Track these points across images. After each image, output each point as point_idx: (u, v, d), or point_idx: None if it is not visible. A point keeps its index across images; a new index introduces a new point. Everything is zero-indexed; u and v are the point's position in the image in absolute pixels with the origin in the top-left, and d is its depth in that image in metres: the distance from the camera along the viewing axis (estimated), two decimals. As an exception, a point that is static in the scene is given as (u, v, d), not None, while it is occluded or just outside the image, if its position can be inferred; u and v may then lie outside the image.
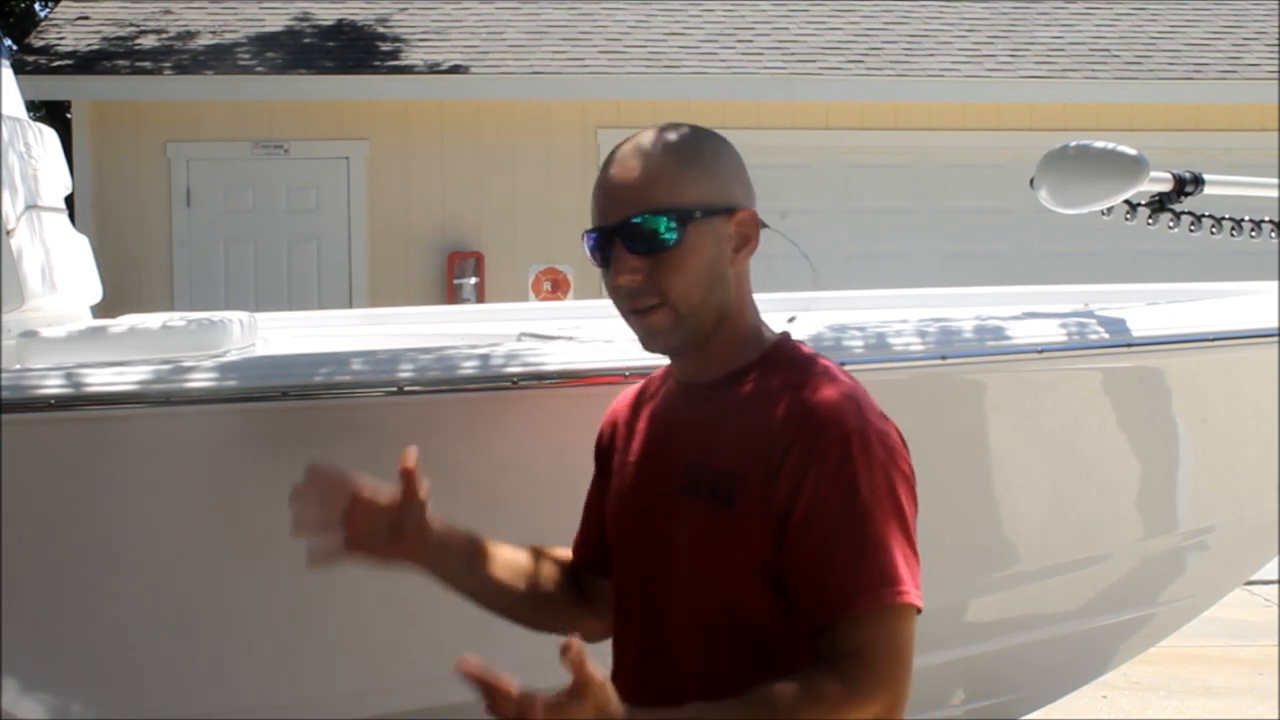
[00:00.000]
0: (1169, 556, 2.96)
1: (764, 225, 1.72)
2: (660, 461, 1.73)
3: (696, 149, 1.70)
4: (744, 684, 1.53)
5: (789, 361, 1.69)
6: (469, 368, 2.21)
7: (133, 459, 2.23)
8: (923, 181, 9.13)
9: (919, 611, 1.57)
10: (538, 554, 1.93)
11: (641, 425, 1.79)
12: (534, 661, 2.20)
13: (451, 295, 8.54)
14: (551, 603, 1.90)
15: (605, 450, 1.87)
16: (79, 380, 2.18)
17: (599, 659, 1.49)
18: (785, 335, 1.75)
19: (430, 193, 8.80)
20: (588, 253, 1.72)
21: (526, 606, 1.89)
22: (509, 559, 1.89)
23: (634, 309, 1.68)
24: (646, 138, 1.71)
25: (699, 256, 1.65)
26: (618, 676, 1.72)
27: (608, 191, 1.70)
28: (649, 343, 1.72)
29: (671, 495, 1.68)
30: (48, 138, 3.40)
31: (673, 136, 1.70)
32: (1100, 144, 2.68)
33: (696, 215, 1.65)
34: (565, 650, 1.41)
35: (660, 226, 1.64)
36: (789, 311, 2.24)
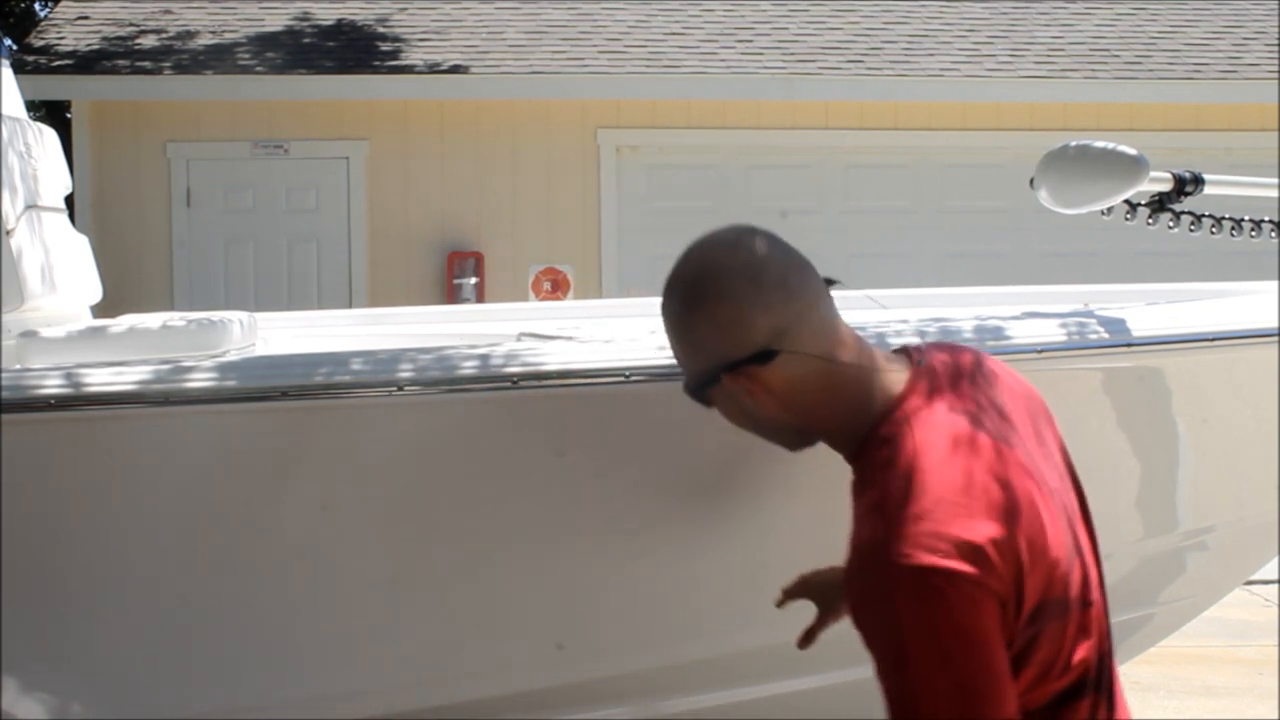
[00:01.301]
0: (1169, 556, 2.96)
1: (764, 360, 1.57)
2: None
3: (672, 326, 1.66)
4: None
5: (870, 462, 1.55)
6: (469, 368, 2.21)
7: (133, 459, 2.23)
8: (923, 181, 9.13)
9: None
10: None
11: None
12: (534, 661, 2.21)
13: (451, 295, 8.55)
14: None
15: None
16: (79, 380, 2.18)
17: None
18: (888, 407, 1.58)
19: (430, 193, 8.80)
20: None
21: None
22: None
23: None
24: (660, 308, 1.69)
25: (733, 417, 1.68)
26: None
27: None
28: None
29: None
30: (48, 138, 3.40)
31: (663, 312, 1.67)
32: (1100, 144, 2.67)
33: (699, 395, 1.67)
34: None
35: (695, 396, 1.68)
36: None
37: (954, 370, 1.64)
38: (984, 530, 1.44)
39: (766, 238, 1.63)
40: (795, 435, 1.67)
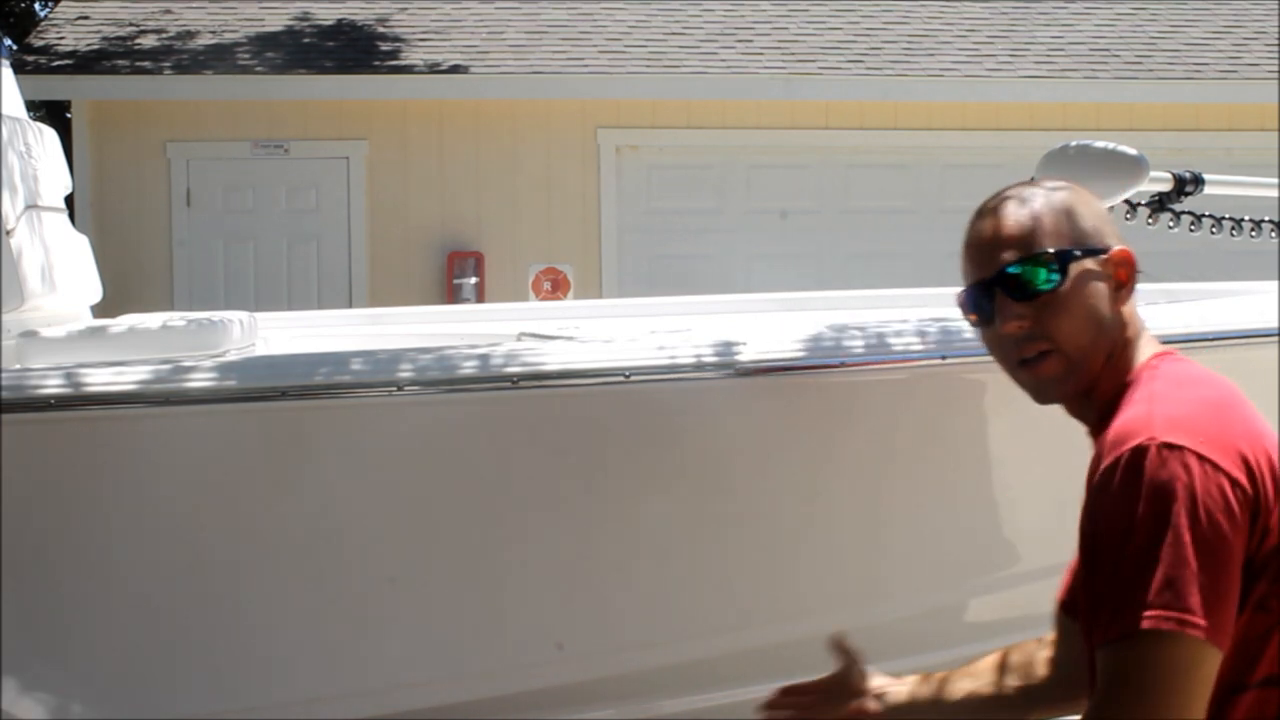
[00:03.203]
0: (1169, 556, 2.95)
1: (1139, 271, 1.70)
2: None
3: (1063, 197, 1.69)
4: None
5: (1132, 398, 1.61)
6: (469, 368, 2.21)
7: (133, 459, 2.23)
8: (923, 181, 9.13)
9: (1202, 638, 1.43)
10: (1006, 652, 1.89)
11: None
12: (535, 661, 2.21)
13: (451, 295, 8.55)
14: (1043, 685, 1.84)
15: None
16: (79, 380, 2.18)
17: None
18: (1150, 361, 1.68)
19: (430, 193, 8.80)
20: (965, 310, 1.72)
21: (1020, 702, 1.84)
22: (976, 670, 1.87)
23: (1023, 359, 1.68)
24: (1011, 192, 1.71)
25: (1083, 299, 1.65)
26: None
27: (981, 245, 1.69)
28: (1040, 395, 1.71)
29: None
30: (48, 138, 3.40)
31: (1035, 189, 1.70)
32: (1100, 144, 2.68)
33: (1076, 255, 1.64)
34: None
35: (1041, 273, 1.64)
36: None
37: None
38: (1253, 447, 1.52)
39: None
40: (1108, 354, 1.66)
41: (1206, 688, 1.44)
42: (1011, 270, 1.65)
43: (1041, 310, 1.64)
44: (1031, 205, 1.68)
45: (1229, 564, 1.46)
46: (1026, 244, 1.65)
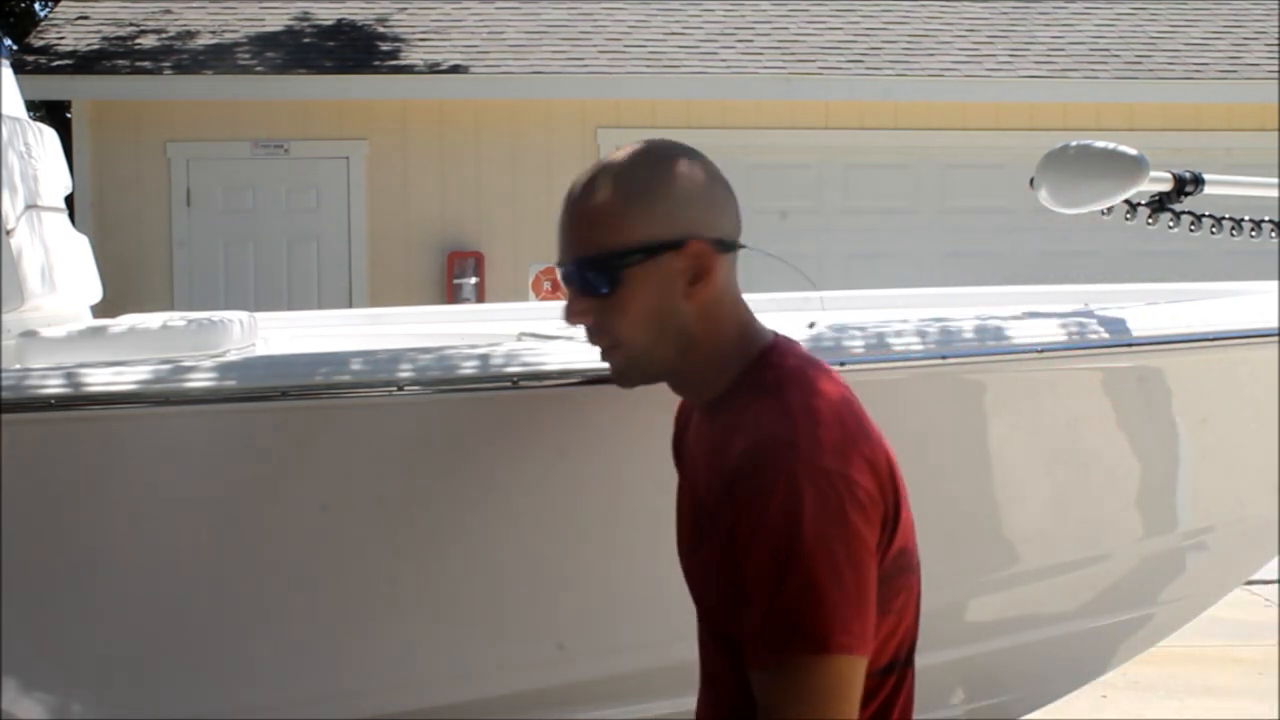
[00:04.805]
0: (1169, 556, 2.96)
1: (736, 247, 1.63)
2: (688, 485, 1.74)
3: (640, 182, 1.61)
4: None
5: (758, 384, 1.60)
6: (469, 368, 2.21)
7: (133, 459, 2.23)
8: (923, 181, 9.13)
9: (860, 654, 1.46)
10: None
11: (689, 441, 1.77)
12: (535, 661, 2.20)
13: (451, 295, 8.55)
14: None
15: (677, 453, 1.86)
16: (79, 380, 2.18)
17: None
18: (771, 345, 1.66)
19: (430, 193, 8.80)
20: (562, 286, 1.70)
21: None
22: None
23: (594, 347, 1.69)
24: (595, 171, 1.64)
25: (640, 300, 1.60)
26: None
27: (558, 230, 1.66)
28: (618, 381, 1.70)
29: (686, 520, 1.73)
30: (48, 138, 3.40)
31: (616, 169, 1.62)
32: (1100, 144, 2.68)
33: (632, 260, 1.58)
34: None
35: (596, 276, 1.60)
36: (797, 311, 2.24)
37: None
38: (878, 453, 1.54)
39: None
40: (681, 348, 1.63)
41: (860, 695, 1.48)
42: (570, 271, 1.63)
43: (600, 309, 1.62)
44: (594, 200, 1.61)
45: (871, 578, 1.49)
46: (584, 245, 1.61)
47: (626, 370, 1.67)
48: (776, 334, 1.69)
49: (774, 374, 1.60)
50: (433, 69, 8.79)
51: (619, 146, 1.68)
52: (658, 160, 1.63)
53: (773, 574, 1.45)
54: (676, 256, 1.59)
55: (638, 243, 1.59)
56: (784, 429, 1.50)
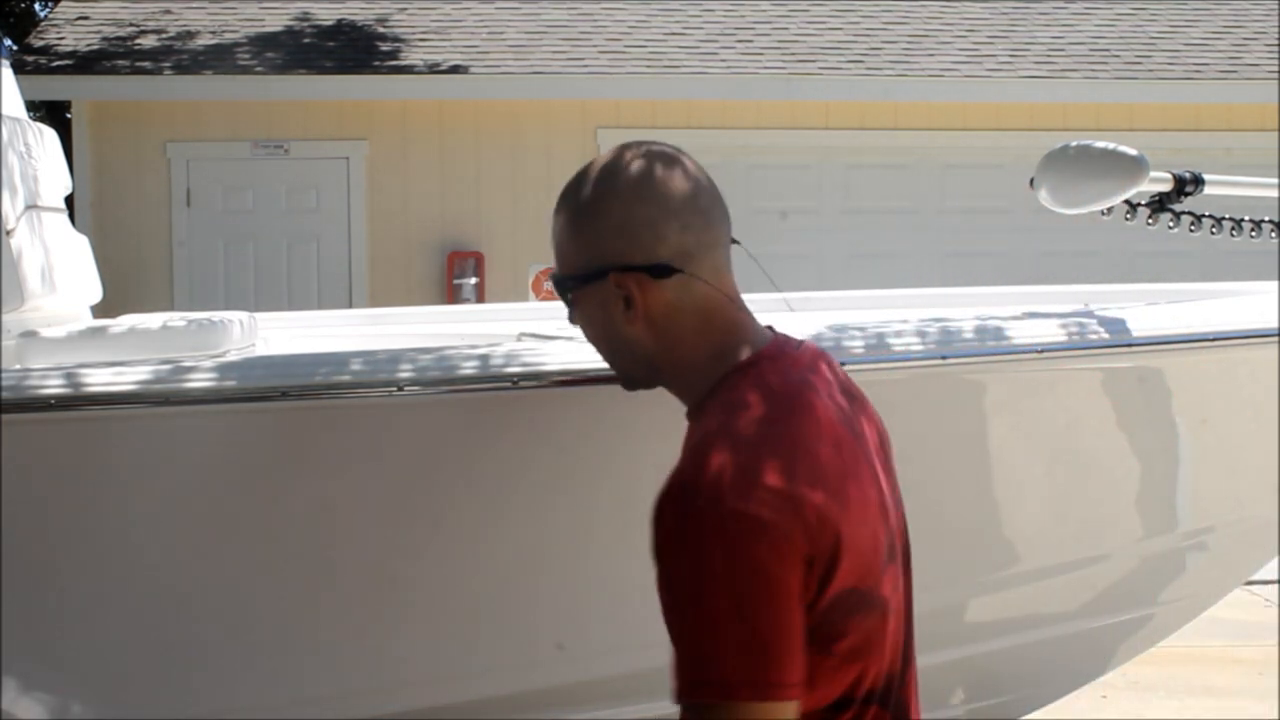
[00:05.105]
0: (1169, 556, 2.96)
1: (660, 274, 1.57)
2: None
3: (580, 208, 1.62)
4: None
5: (706, 408, 1.56)
6: (469, 368, 2.21)
7: (133, 459, 2.23)
8: (923, 181, 9.13)
9: (791, 698, 1.40)
10: None
11: None
12: (534, 661, 2.19)
13: (451, 295, 8.55)
14: None
15: None
16: (79, 380, 2.18)
17: None
18: (746, 362, 1.58)
19: (430, 193, 8.80)
20: None
21: None
22: None
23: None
24: (566, 186, 1.68)
25: (593, 321, 1.65)
26: None
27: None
28: (620, 384, 1.75)
29: None
30: (48, 138, 3.40)
31: (570, 190, 1.66)
32: (1100, 144, 2.67)
33: (571, 286, 1.65)
34: None
35: (560, 292, 1.68)
36: (779, 310, 2.23)
37: (818, 356, 1.65)
38: (804, 489, 1.43)
39: (698, 166, 1.68)
40: (644, 366, 1.64)
41: None
42: (551, 286, 1.71)
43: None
44: (555, 220, 1.67)
45: (789, 619, 1.41)
46: (557, 261, 1.69)
47: (618, 377, 1.73)
48: (775, 348, 1.62)
49: (720, 399, 1.54)
50: (433, 69, 8.79)
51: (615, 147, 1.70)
52: (600, 182, 1.62)
53: (677, 617, 1.42)
54: (603, 285, 1.60)
55: (575, 269, 1.64)
56: (691, 469, 1.46)
